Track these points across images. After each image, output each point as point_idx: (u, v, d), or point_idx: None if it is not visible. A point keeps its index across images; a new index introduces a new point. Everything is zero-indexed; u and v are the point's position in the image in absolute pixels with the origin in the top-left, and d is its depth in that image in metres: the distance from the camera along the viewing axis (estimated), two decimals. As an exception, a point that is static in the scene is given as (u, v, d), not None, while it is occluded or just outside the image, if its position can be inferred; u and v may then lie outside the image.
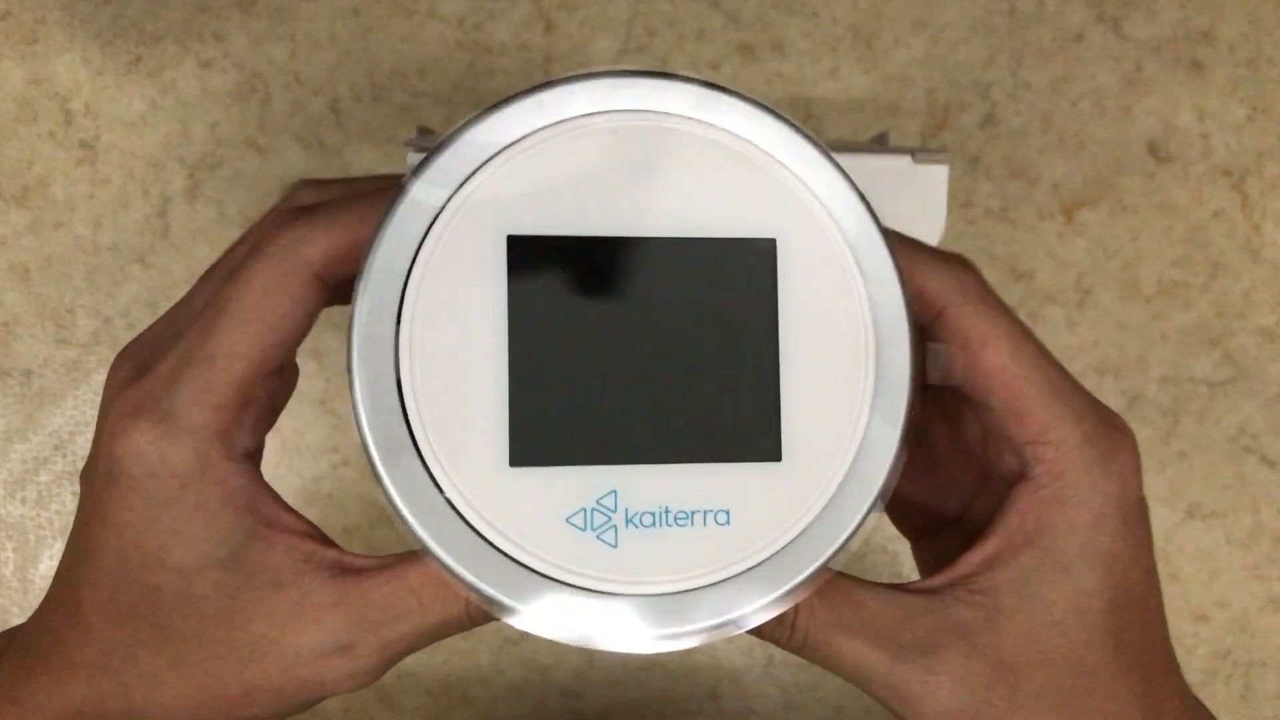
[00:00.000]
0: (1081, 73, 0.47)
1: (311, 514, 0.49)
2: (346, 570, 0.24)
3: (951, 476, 0.29)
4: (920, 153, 0.32)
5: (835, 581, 0.24)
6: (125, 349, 0.26)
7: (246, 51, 0.48)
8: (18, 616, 0.49)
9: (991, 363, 0.23)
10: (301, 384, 0.48)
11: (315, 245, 0.22)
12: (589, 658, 0.48)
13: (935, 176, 0.32)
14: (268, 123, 0.48)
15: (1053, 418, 0.23)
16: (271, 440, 0.50)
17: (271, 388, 0.24)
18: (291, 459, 0.48)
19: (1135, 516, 0.24)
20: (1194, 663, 0.47)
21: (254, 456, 0.24)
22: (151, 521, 0.22)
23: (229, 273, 0.23)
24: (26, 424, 0.48)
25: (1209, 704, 0.26)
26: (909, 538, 0.31)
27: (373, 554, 0.24)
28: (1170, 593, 0.48)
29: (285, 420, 0.48)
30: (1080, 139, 0.47)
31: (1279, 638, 0.48)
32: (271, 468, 0.48)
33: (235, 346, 0.22)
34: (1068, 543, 0.23)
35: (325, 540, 0.25)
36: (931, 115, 0.47)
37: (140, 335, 0.25)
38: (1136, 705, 0.23)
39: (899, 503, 0.29)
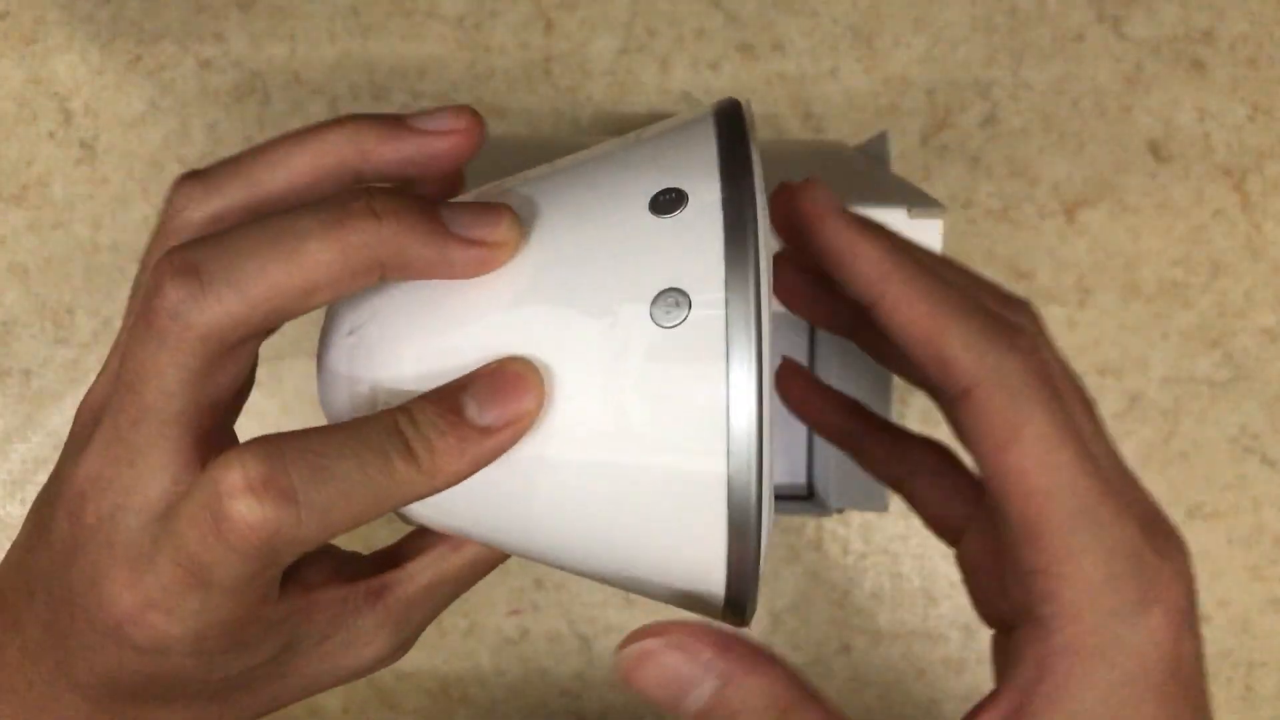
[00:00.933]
0: (1082, 72, 0.47)
1: (311, 514, 0.49)
2: (340, 568, 0.25)
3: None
4: (916, 206, 0.32)
5: None
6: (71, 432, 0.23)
7: (246, 51, 0.48)
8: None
9: (1013, 465, 0.20)
10: (301, 384, 0.48)
11: (207, 315, 0.19)
12: (589, 658, 0.48)
13: (930, 230, 0.32)
14: (267, 122, 0.48)
15: (1073, 547, 0.19)
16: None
17: (222, 424, 0.22)
18: (291, 459, 0.48)
19: (1173, 685, 0.20)
20: (1195, 663, 0.47)
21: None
22: (147, 606, 0.22)
23: (122, 347, 0.21)
24: (26, 424, 0.48)
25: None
26: (991, 627, 0.27)
27: (365, 552, 0.25)
28: (1171, 593, 0.48)
29: (285, 420, 0.48)
30: (1081, 138, 0.47)
31: (1279, 638, 0.48)
32: (271, 468, 0.48)
33: (161, 444, 0.20)
34: (1087, 708, 0.19)
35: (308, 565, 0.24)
36: (932, 115, 0.47)
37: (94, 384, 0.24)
38: None
39: (977, 591, 0.26)
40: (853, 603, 0.48)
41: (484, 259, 0.20)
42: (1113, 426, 0.47)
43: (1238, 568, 0.47)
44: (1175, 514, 0.48)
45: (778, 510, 0.45)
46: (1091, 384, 0.47)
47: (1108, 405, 0.47)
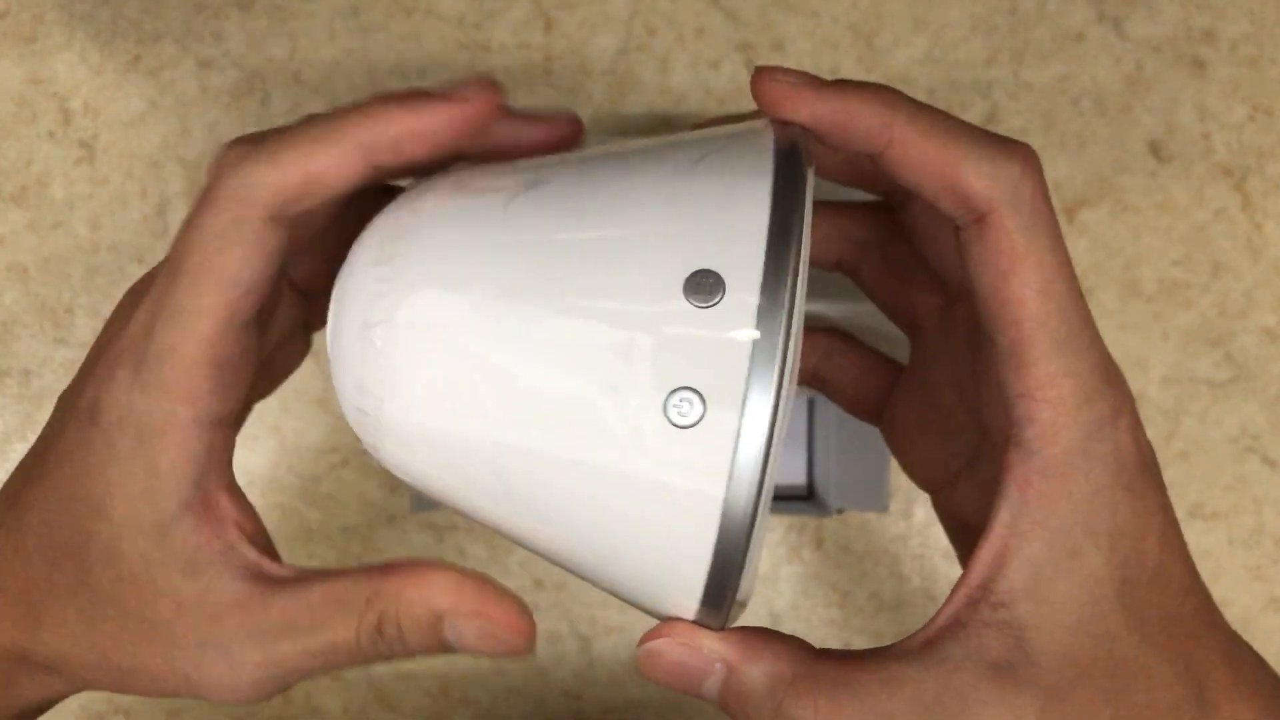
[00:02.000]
0: (1082, 72, 0.47)
1: (312, 514, 0.49)
2: (258, 576, 0.23)
3: (955, 423, 0.27)
4: None
5: (863, 662, 0.22)
6: (131, 287, 0.25)
7: (246, 51, 0.48)
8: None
9: (1014, 293, 0.21)
10: (301, 384, 0.48)
11: (265, 187, 0.21)
12: (589, 658, 0.48)
13: None
14: (267, 122, 0.48)
15: (1055, 372, 0.21)
16: (271, 440, 0.50)
17: (247, 344, 0.23)
18: (291, 459, 0.48)
19: (1140, 482, 0.22)
20: (1195, 663, 0.47)
21: (228, 423, 0.23)
22: (103, 467, 0.22)
23: (186, 221, 0.22)
24: (25, 424, 0.48)
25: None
26: (925, 490, 0.29)
27: (308, 567, 0.24)
28: (1171, 593, 0.48)
29: (285, 420, 0.48)
30: (1081, 138, 0.47)
31: (1280, 638, 0.48)
32: (271, 468, 0.48)
33: (199, 303, 0.21)
34: (1071, 520, 0.21)
35: (258, 539, 0.24)
36: (932, 115, 0.47)
37: (147, 273, 0.25)
38: (1180, 684, 0.22)
39: (907, 453, 0.28)
40: (853, 603, 0.48)
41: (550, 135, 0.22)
42: (1113, 426, 0.47)
43: (1238, 568, 0.47)
44: (1176, 514, 0.48)
45: (778, 511, 0.45)
46: (1092, 384, 0.47)
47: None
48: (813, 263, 0.27)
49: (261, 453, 0.48)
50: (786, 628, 0.48)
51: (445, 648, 0.23)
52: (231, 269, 0.21)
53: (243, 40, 0.48)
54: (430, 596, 0.22)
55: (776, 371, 0.19)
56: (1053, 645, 0.21)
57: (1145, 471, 0.22)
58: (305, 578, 0.23)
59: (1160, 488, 0.23)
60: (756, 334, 0.19)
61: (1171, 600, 0.22)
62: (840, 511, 0.42)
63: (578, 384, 0.20)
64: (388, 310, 0.21)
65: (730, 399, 0.19)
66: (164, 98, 0.48)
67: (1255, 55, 0.47)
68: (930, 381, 0.28)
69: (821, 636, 0.48)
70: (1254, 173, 0.47)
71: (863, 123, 0.21)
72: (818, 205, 0.27)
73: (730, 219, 0.20)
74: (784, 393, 0.19)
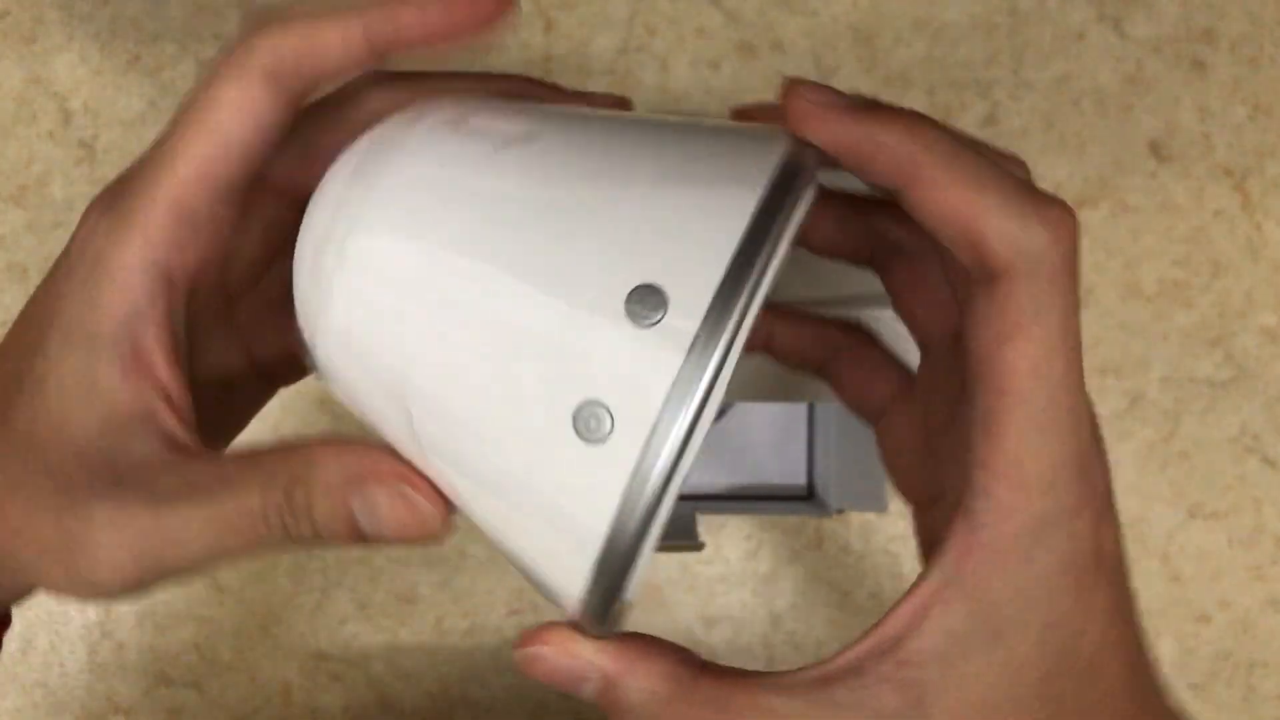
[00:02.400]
0: (1083, 72, 0.47)
1: (311, 514, 0.49)
2: (172, 445, 0.22)
3: (945, 448, 0.26)
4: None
5: (744, 685, 0.21)
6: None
7: (246, 51, 0.48)
8: (16, 617, 0.49)
9: (1006, 360, 0.20)
10: (302, 384, 0.48)
11: (265, 49, 0.22)
12: (589, 658, 0.48)
13: None
14: (267, 122, 0.48)
15: (1025, 453, 0.20)
16: (271, 439, 0.50)
17: (221, 213, 0.22)
18: (291, 459, 0.48)
19: (1090, 578, 0.21)
20: (1195, 664, 0.47)
21: (181, 285, 0.23)
22: (56, 292, 0.22)
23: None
24: (25, 424, 0.48)
25: (1210, 706, 0.25)
26: (907, 502, 0.28)
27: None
28: (1171, 593, 0.47)
29: (285, 420, 0.48)
30: (1081, 138, 0.47)
31: (1280, 638, 0.48)
32: (271, 468, 0.48)
33: (177, 147, 0.22)
34: (1003, 602, 0.20)
35: (185, 415, 0.22)
36: (932, 115, 0.47)
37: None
38: None
39: (895, 464, 0.28)
40: (853, 603, 0.48)
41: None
42: (1113, 426, 0.47)
43: (1238, 568, 0.47)
44: (1176, 514, 0.48)
45: (779, 512, 0.45)
46: (1092, 384, 0.47)
47: (1108, 405, 0.47)
48: (835, 256, 0.26)
49: (261, 453, 0.48)
50: (786, 628, 0.48)
51: (354, 530, 0.21)
52: (217, 120, 0.21)
53: (243, 40, 0.48)
54: (348, 461, 0.21)
55: (693, 408, 0.18)
56: (953, 712, 0.20)
57: (1100, 569, 0.21)
58: (223, 455, 0.22)
59: (1116, 586, 0.21)
60: (680, 365, 0.18)
61: (1102, 699, 0.21)
62: (840, 511, 0.42)
63: (499, 364, 0.19)
64: (342, 234, 0.21)
65: (638, 428, 0.18)
66: (164, 98, 0.48)
67: (1255, 55, 0.47)
68: (929, 400, 0.27)
69: (821, 637, 0.48)
70: (1254, 173, 0.47)
71: (890, 156, 0.20)
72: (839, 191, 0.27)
73: (699, 233, 0.19)
74: (699, 426, 0.18)
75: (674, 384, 0.18)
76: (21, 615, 0.49)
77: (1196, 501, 0.47)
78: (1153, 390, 0.47)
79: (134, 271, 0.21)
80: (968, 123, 0.47)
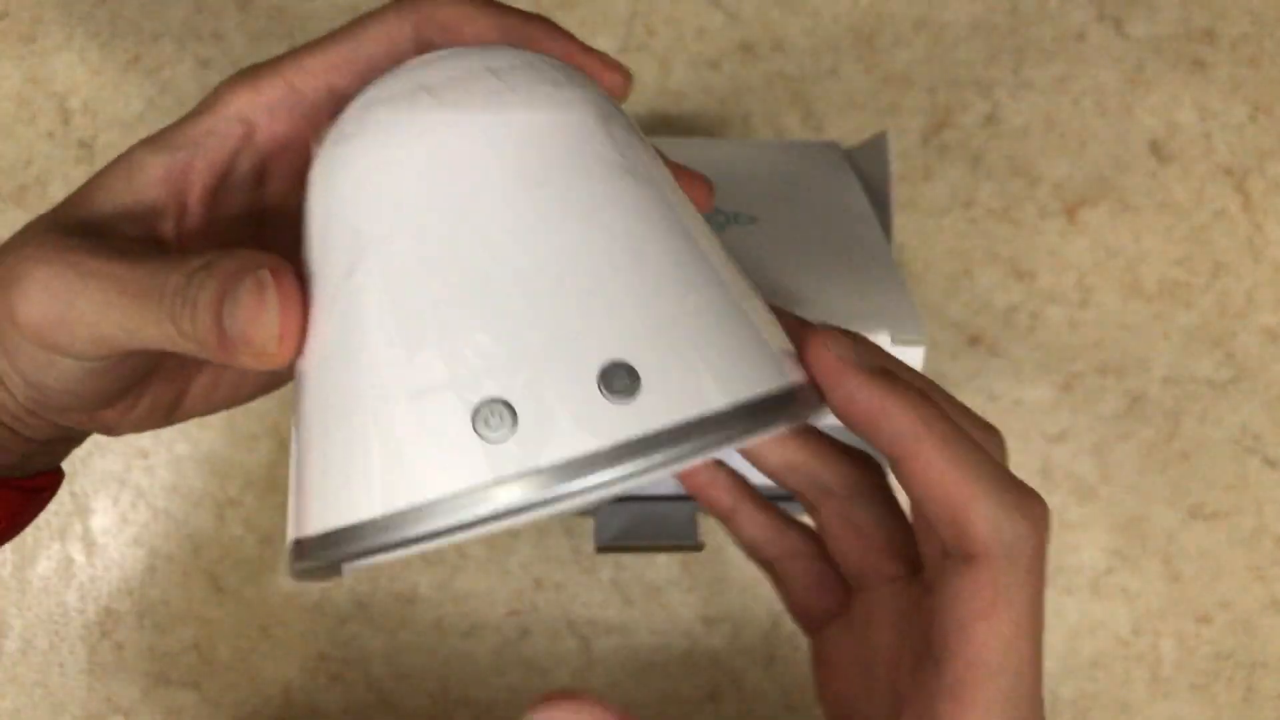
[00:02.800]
0: (1083, 72, 0.47)
1: (311, 514, 0.49)
2: (156, 239, 0.24)
3: (876, 686, 0.27)
4: (899, 336, 0.33)
5: None
6: None
7: (245, 50, 0.48)
8: (15, 617, 0.49)
9: (979, 636, 0.21)
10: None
11: (423, 5, 0.24)
12: (589, 658, 0.48)
13: (911, 358, 0.33)
14: (267, 122, 0.48)
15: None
16: (271, 440, 0.50)
17: (319, 119, 0.25)
18: (291, 459, 0.48)
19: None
20: (1196, 664, 0.47)
21: (260, 148, 0.25)
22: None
23: None
24: (25, 424, 0.48)
25: (1210, 706, 0.26)
26: (828, 712, 0.29)
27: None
28: (1172, 594, 0.47)
29: (285, 420, 0.48)
30: (1082, 138, 0.47)
31: (1281, 638, 0.48)
32: (269, 468, 0.48)
33: (328, 45, 0.24)
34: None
35: (179, 223, 0.24)
36: (933, 114, 0.47)
37: None
38: None
39: (825, 683, 0.28)
40: (853, 603, 0.48)
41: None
42: (1113, 426, 0.47)
43: (1239, 568, 0.47)
44: (1176, 514, 0.48)
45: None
46: (1092, 384, 0.47)
47: (1108, 405, 0.47)
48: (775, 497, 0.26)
49: (262, 452, 0.48)
50: (786, 628, 0.48)
51: (218, 318, 0.21)
52: (360, 39, 0.24)
53: (243, 40, 0.48)
54: (254, 257, 0.21)
55: (549, 495, 0.18)
56: None
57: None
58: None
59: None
60: (598, 449, 0.18)
61: None
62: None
63: (463, 292, 0.19)
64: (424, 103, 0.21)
65: (526, 459, 0.18)
66: (164, 97, 0.48)
67: (1255, 55, 0.47)
68: (866, 632, 0.27)
69: (822, 637, 0.48)
70: (1254, 173, 0.47)
71: (893, 428, 0.21)
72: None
73: (703, 367, 0.19)
74: (547, 508, 0.18)
75: (579, 459, 0.18)
76: (21, 615, 0.49)
77: (1197, 501, 0.47)
78: (1153, 390, 0.47)
79: (223, 114, 0.24)
80: (968, 122, 0.47)
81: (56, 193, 0.48)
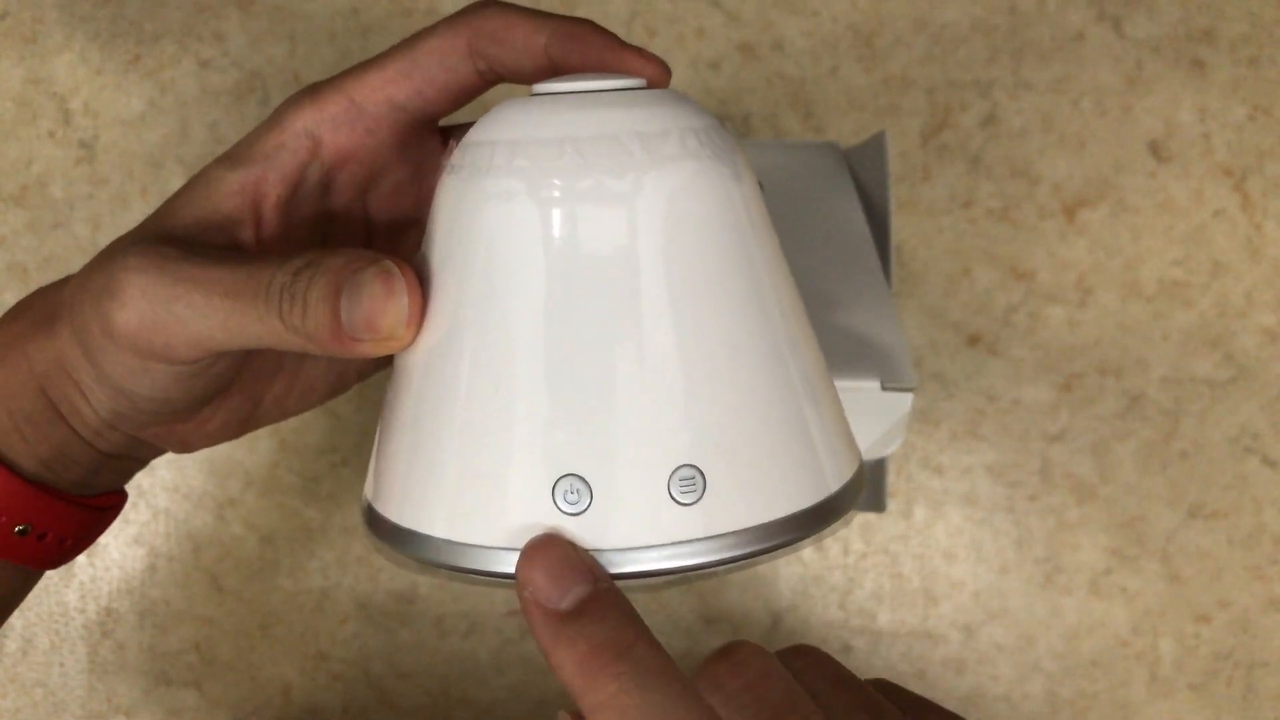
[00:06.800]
0: (1082, 72, 0.47)
1: (312, 514, 0.49)
2: (237, 247, 0.25)
3: None
4: (889, 383, 0.34)
5: None
6: None
7: (245, 51, 0.48)
8: (16, 617, 0.49)
9: None
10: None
11: (476, 16, 0.25)
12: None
13: (899, 404, 0.34)
14: (267, 122, 0.48)
15: None
16: (271, 440, 0.50)
17: (385, 130, 0.26)
18: (291, 459, 0.48)
19: None
20: (1195, 664, 0.47)
21: (326, 161, 0.26)
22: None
23: None
24: (25, 424, 0.48)
25: (1210, 704, 0.26)
26: None
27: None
28: (1171, 593, 0.47)
29: (285, 420, 0.48)
30: (1081, 138, 0.47)
31: (1280, 638, 0.48)
32: (270, 468, 0.48)
33: (386, 62, 0.25)
34: None
35: (258, 234, 0.25)
36: (932, 115, 0.47)
37: None
38: None
39: None
40: (853, 603, 0.48)
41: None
42: (1113, 426, 0.47)
43: (1238, 568, 0.47)
44: (1175, 514, 0.48)
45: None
46: (1092, 384, 0.47)
47: (1108, 405, 0.47)
48: None
49: (262, 452, 0.48)
50: (786, 628, 0.48)
51: (336, 314, 0.21)
52: (416, 53, 0.25)
53: (243, 40, 0.48)
54: (358, 253, 0.22)
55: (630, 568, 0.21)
56: None
57: None
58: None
59: None
60: (673, 546, 0.21)
61: None
62: (840, 512, 0.42)
63: (600, 349, 0.20)
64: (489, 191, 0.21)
65: (595, 537, 0.20)
66: (164, 97, 0.48)
67: (1255, 55, 0.47)
68: None
69: (822, 637, 0.48)
70: (1254, 173, 0.47)
71: (562, 679, 0.20)
72: None
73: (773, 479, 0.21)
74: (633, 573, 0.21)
75: (637, 550, 0.21)
76: (21, 615, 0.49)
77: (1196, 501, 0.47)
78: (1152, 390, 0.47)
79: (291, 130, 0.25)
80: (968, 123, 0.47)
81: (57, 193, 0.48)
